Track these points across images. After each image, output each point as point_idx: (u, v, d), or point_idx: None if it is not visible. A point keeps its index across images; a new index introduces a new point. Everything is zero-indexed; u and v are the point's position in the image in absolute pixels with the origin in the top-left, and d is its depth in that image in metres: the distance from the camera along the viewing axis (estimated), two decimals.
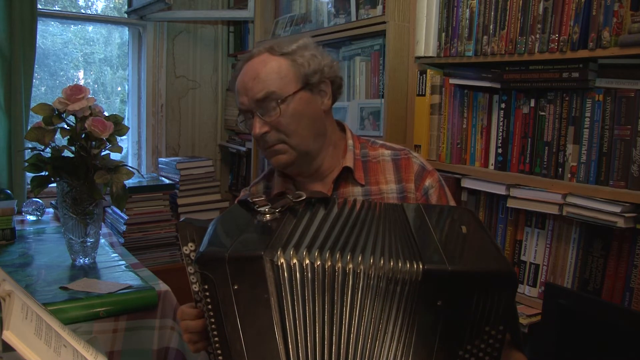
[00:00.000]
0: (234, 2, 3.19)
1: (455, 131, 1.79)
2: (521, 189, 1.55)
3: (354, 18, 2.08)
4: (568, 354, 1.23)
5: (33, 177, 1.54)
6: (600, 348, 1.17)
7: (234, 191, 3.16)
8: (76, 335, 0.85)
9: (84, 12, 3.02)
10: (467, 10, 1.69)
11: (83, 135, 1.52)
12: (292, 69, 1.12)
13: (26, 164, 1.53)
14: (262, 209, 0.91)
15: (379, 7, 1.97)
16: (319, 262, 0.77)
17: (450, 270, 0.74)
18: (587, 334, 1.20)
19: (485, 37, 1.63)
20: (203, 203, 2.86)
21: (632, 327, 1.13)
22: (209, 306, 0.79)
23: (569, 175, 1.48)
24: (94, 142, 1.53)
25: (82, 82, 3.04)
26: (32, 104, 2.42)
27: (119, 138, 1.58)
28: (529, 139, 1.57)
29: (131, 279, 1.52)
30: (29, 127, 2.04)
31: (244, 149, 2.96)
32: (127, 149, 3.11)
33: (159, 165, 3.04)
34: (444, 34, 1.79)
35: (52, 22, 2.86)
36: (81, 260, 1.64)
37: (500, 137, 1.66)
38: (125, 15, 2.97)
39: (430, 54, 1.83)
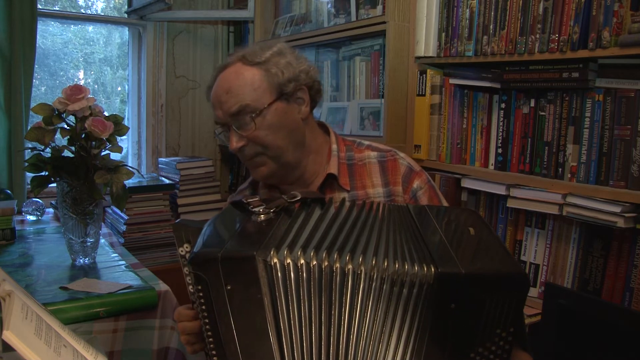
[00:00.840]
0: (234, 2, 3.19)
1: (455, 131, 1.79)
2: (521, 189, 1.55)
3: (354, 18, 2.08)
4: (568, 354, 1.23)
5: (33, 177, 1.54)
6: (600, 348, 1.17)
7: (234, 191, 3.16)
8: (76, 335, 0.85)
9: (84, 12, 3.02)
10: (467, 10, 1.69)
11: (83, 135, 1.52)
12: (265, 79, 1.09)
13: (26, 164, 1.53)
14: (256, 209, 0.90)
15: (379, 7, 1.97)
16: (314, 262, 0.76)
17: (464, 274, 0.73)
18: (587, 334, 1.20)
19: (485, 37, 1.63)
20: (203, 203, 2.85)
21: (632, 327, 1.13)
22: (203, 306, 0.79)
23: (569, 175, 1.48)
24: (94, 142, 1.53)
25: (82, 82, 3.04)
26: (32, 104, 2.41)
27: (119, 138, 1.58)
28: (529, 139, 1.57)
29: (131, 279, 1.52)
30: (29, 127, 2.04)
31: None
32: (127, 149, 3.11)
33: (159, 165, 3.04)
34: (444, 34, 1.79)
35: (52, 22, 2.86)
36: (81, 260, 1.64)
37: (500, 137, 1.66)
38: (125, 15, 2.97)
39: (430, 54, 1.83)
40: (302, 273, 0.76)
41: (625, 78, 1.34)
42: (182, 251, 0.90)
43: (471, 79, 1.71)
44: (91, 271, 1.60)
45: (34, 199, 2.28)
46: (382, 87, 1.96)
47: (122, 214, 2.58)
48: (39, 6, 2.57)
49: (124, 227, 2.54)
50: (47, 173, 1.53)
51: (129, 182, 2.40)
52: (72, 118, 1.53)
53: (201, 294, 0.79)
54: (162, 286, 1.50)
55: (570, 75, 1.43)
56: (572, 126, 1.47)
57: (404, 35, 1.87)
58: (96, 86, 3.11)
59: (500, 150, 1.66)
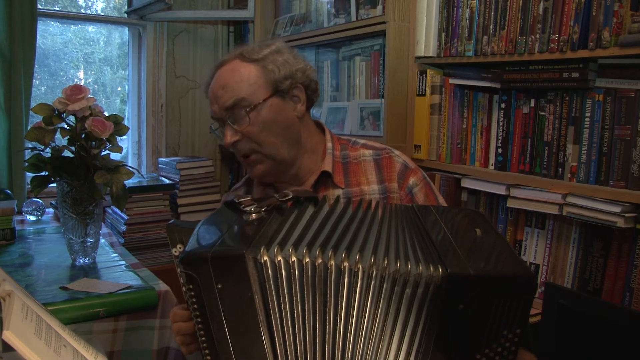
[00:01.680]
0: (234, 2, 3.19)
1: (455, 131, 1.79)
2: (521, 189, 1.55)
3: (354, 18, 2.08)
4: (568, 354, 1.23)
5: (33, 177, 1.54)
6: (600, 348, 1.17)
7: None
8: (76, 335, 0.85)
9: (84, 12, 3.02)
10: (467, 10, 1.69)
11: (83, 135, 1.52)
12: (262, 75, 1.10)
13: (26, 164, 1.53)
14: (248, 208, 0.90)
15: (379, 7, 1.97)
16: (307, 259, 0.76)
17: (473, 275, 0.73)
18: (587, 334, 1.20)
19: (485, 37, 1.63)
20: (203, 203, 2.86)
21: (632, 327, 1.12)
22: (195, 306, 0.79)
23: (569, 175, 1.47)
24: (94, 142, 1.53)
25: (82, 82, 3.04)
26: (32, 104, 2.41)
27: (119, 138, 1.58)
28: (529, 139, 1.57)
29: (131, 279, 1.52)
30: (29, 127, 2.04)
31: None
32: (127, 149, 3.11)
33: (159, 165, 3.04)
34: (444, 34, 1.79)
35: (52, 22, 2.86)
36: (81, 260, 1.64)
37: (500, 137, 1.66)
38: (125, 15, 2.97)
39: (430, 54, 1.83)
40: (294, 270, 0.76)
41: (625, 78, 1.34)
42: (175, 252, 0.91)
43: (471, 79, 1.71)
44: (91, 271, 1.59)
45: (34, 199, 2.27)
46: (382, 87, 1.96)
47: (122, 214, 2.58)
48: (39, 6, 2.57)
49: (124, 227, 2.54)
50: (47, 173, 1.53)
51: (129, 182, 2.40)
52: (72, 118, 1.53)
53: (193, 294, 0.79)
54: (162, 286, 1.50)
55: (570, 75, 1.43)
56: (572, 126, 1.47)
57: (404, 35, 1.87)
58: (96, 86, 3.10)
59: (500, 150, 1.66)
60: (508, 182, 1.58)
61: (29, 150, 1.54)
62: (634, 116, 1.33)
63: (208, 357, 0.79)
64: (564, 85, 1.46)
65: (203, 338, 0.79)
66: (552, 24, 1.45)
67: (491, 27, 1.61)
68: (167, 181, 2.75)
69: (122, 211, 2.60)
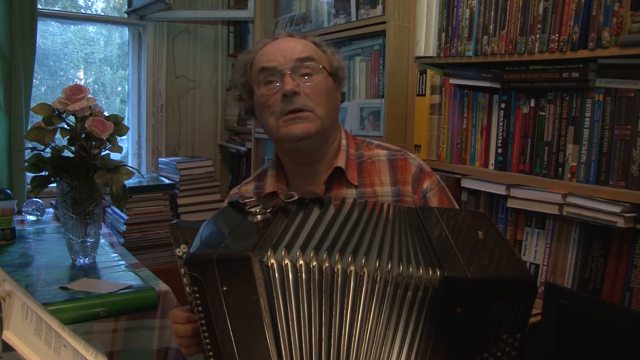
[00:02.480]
0: (234, 2, 3.19)
1: (455, 131, 1.79)
2: (521, 189, 1.55)
3: (354, 18, 2.08)
4: (568, 354, 1.23)
5: (33, 177, 1.54)
6: (600, 348, 1.17)
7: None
8: (76, 335, 0.85)
9: (84, 12, 3.02)
10: (467, 10, 1.69)
11: (83, 135, 1.52)
12: (324, 55, 1.15)
13: (26, 164, 1.53)
14: (253, 209, 0.89)
15: (379, 7, 1.97)
16: (314, 263, 0.76)
17: (470, 278, 0.72)
18: (587, 334, 1.20)
19: (485, 37, 1.63)
20: (203, 203, 2.86)
21: (632, 327, 1.12)
22: (199, 307, 0.78)
23: (569, 175, 1.48)
24: (94, 142, 1.53)
25: (82, 82, 3.04)
26: (32, 104, 2.42)
27: (119, 138, 1.58)
28: (529, 139, 1.57)
29: (131, 279, 1.52)
30: (29, 127, 2.04)
31: (244, 149, 2.96)
32: (127, 149, 3.11)
33: (159, 165, 3.04)
34: (444, 34, 1.79)
35: (52, 22, 2.86)
36: (81, 260, 1.64)
37: (500, 137, 1.66)
38: (125, 15, 2.97)
39: (430, 54, 1.83)
40: (301, 274, 0.76)
41: (625, 78, 1.34)
42: (179, 252, 0.90)
43: (471, 79, 1.71)
44: (91, 271, 1.60)
45: (34, 199, 2.28)
46: (382, 87, 1.96)
47: (122, 214, 2.58)
48: (39, 6, 2.57)
49: (124, 227, 2.54)
50: (47, 173, 1.53)
51: (129, 182, 2.40)
52: (72, 118, 1.53)
53: (197, 295, 0.78)
54: (162, 286, 1.50)
55: (570, 75, 1.43)
56: (572, 126, 1.47)
57: (404, 35, 1.87)
58: (96, 86, 3.11)
59: (500, 150, 1.66)
60: (508, 182, 1.58)
61: (29, 150, 1.54)
62: (634, 116, 1.33)
63: (212, 359, 0.78)
64: (564, 85, 1.46)
65: (207, 340, 0.78)
66: (552, 24, 1.45)
67: (491, 27, 1.61)
68: (167, 181, 2.75)
69: (122, 211, 2.60)
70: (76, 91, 1.50)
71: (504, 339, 0.75)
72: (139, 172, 2.79)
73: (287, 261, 0.76)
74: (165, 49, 3.03)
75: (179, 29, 3.08)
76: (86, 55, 3.03)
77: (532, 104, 1.56)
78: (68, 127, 1.53)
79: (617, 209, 1.31)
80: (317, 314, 0.75)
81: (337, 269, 0.75)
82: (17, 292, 0.78)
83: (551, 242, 1.54)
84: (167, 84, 3.07)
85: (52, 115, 1.51)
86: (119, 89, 3.20)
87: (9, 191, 2.06)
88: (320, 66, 1.10)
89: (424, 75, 1.83)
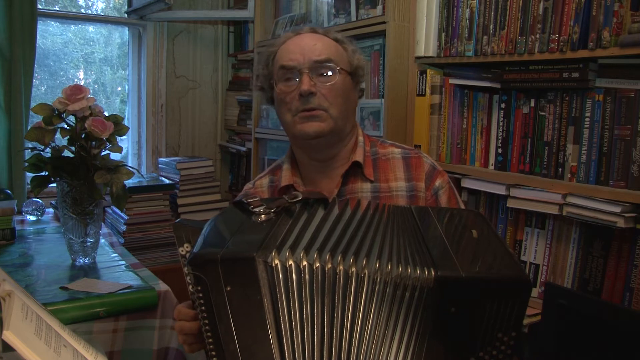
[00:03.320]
0: (234, 2, 3.19)
1: (455, 131, 1.79)
2: (521, 189, 1.55)
3: (354, 18, 2.08)
4: (568, 354, 1.23)
5: (33, 177, 1.54)
6: (600, 348, 1.17)
7: (234, 191, 3.16)
8: (76, 335, 0.85)
9: (84, 12, 3.02)
10: (467, 10, 1.69)
11: (83, 135, 1.52)
12: (345, 54, 1.16)
13: (26, 164, 1.53)
14: (257, 209, 0.89)
15: (379, 7, 1.97)
16: (318, 264, 0.76)
17: (464, 277, 0.73)
18: (587, 334, 1.20)
19: (485, 37, 1.63)
20: (203, 203, 2.86)
21: (632, 327, 1.13)
22: (203, 307, 0.78)
23: (569, 175, 1.48)
24: (94, 142, 1.53)
25: (82, 82, 3.04)
26: (32, 104, 2.42)
27: (119, 138, 1.58)
28: (529, 139, 1.57)
29: (131, 279, 1.52)
30: (29, 127, 2.04)
31: (244, 149, 2.96)
32: (127, 149, 3.11)
33: (159, 165, 3.04)
34: (444, 34, 1.79)
35: (52, 22, 2.86)
36: (81, 260, 1.64)
37: (500, 137, 1.66)
38: (125, 15, 2.97)
39: (430, 54, 1.83)
40: (305, 275, 0.76)
41: (625, 78, 1.34)
42: (182, 251, 0.90)
43: (471, 79, 1.71)
44: (91, 271, 1.60)
45: (34, 199, 2.28)
46: (382, 87, 1.96)
47: (122, 214, 2.58)
48: (39, 6, 2.57)
49: (124, 227, 2.54)
50: (47, 173, 1.53)
51: (129, 182, 2.40)
52: (72, 118, 1.53)
53: (201, 295, 0.78)
54: (162, 286, 1.50)
55: (570, 75, 1.43)
56: (572, 126, 1.47)
57: (404, 35, 1.87)
58: (96, 86, 3.11)
59: (500, 150, 1.66)
60: (508, 182, 1.58)
61: (29, 150, 1.54)
62: (634, 116, 1.33)
63: (215, 359, 0.78)
64: (564, 85, 1.46)
65: (210, 339, 0.78)
66: (552, 24, 1.45)
67: (491, 27, 1.61)
68: (167, 181, 2.75)
69: (122, 211, 2.60)
70: (76, 91, 1.50)
71: (499, 338, 0.75)
72: (139, 172, 2.79)
73: (291, 262, 0.76)
74: (165, 49, 3.03)
75: (179, 29, 3.08)
76: (86, 55, 3.03)
77: (532, 104, 1.56)
78: (68, 127, 1.53)
79: (617, 209, 1.31)
80: (319, 314, 0.76)
81: (340, 270, 0.76)
82: (17, 292, 0.78)
83: (551, 242, 1.54)
84: (167, 84, 3.07)
85: (52, 115, 1.51)
86: (119, 89, 3.20)
87: (9, 191, 2.06)
88: (339, 68, 1.11)
89: (424, 75, 1.83)
